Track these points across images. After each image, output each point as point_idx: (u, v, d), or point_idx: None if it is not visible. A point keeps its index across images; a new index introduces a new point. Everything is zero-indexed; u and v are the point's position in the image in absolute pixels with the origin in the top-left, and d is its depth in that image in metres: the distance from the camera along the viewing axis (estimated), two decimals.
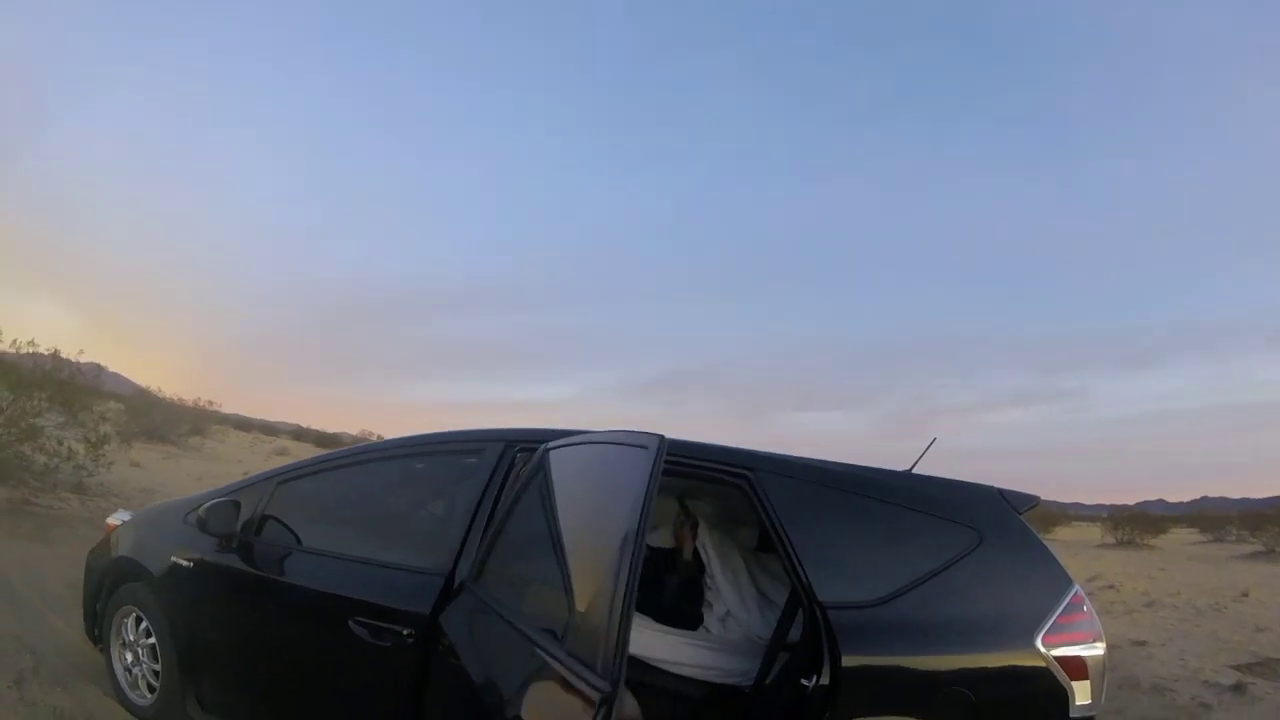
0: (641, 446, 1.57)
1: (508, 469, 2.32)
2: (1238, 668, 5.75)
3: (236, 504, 2.80)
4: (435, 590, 2.18)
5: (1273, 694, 5.05)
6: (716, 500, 3.07)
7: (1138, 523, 24.95)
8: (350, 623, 2.22)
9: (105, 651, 3.26)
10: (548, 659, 1.48)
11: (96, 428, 7.63)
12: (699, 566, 2.73)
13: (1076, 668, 1.93)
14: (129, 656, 3.13)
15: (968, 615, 1.99)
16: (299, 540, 2.70)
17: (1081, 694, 1.92)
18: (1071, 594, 2.02)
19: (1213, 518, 26.91)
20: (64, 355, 7.55)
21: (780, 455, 2.20)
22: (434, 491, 2.64)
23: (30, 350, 7.20)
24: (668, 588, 2.65)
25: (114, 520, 3.53)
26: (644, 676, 2.41)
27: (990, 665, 1.95)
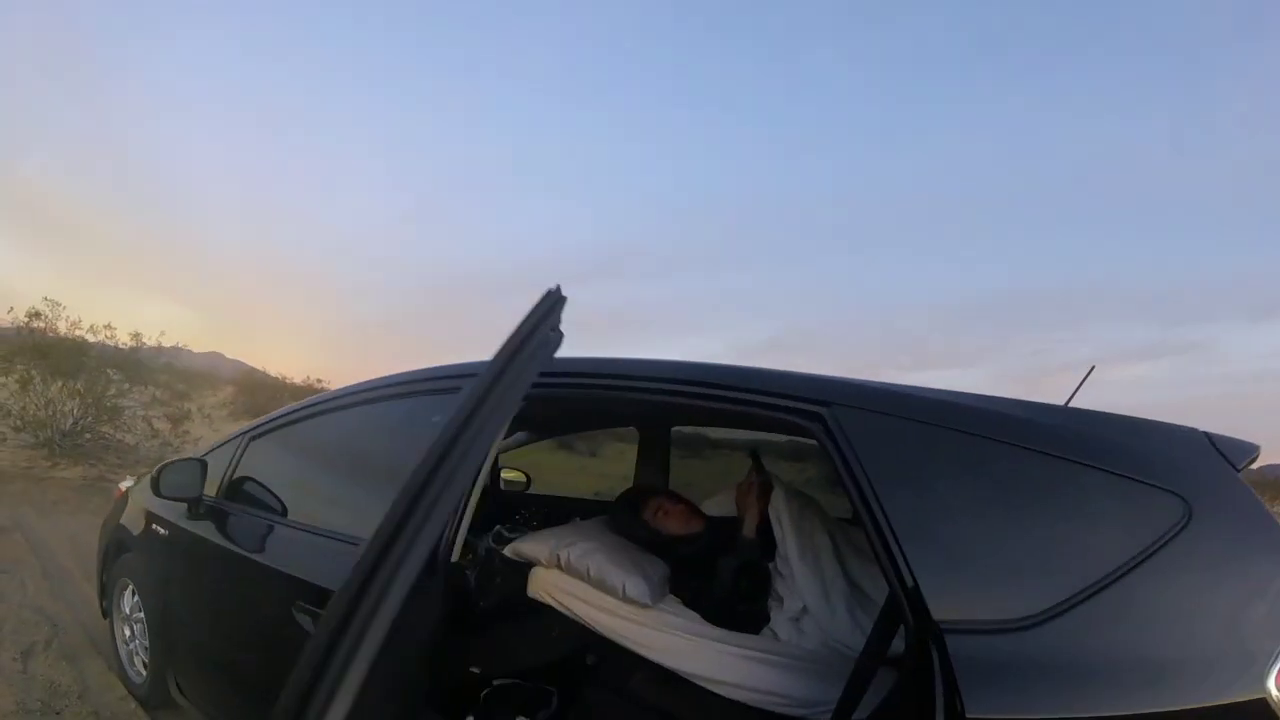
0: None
1: None
2: None
3: (201, 463, 2.38)
4: None
5: None
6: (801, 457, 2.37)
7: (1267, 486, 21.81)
8: (293, 610, 1.70)
9: (110, 625, 3.05)
10: None
11: (180, 404, 7.87)
12: (766, 546, 2.00)
13: None
14: (126, 631, 2.90)
15: (1168, 640, 1.18)
16: (262, 505, 2.22)
17: None
18: None
19: None
20: (143, 338, 7.89)
21: (872, 384, 1.43)
22: (406, 440, 2.07)
23: (108, 338, 7.55)
24: (720, 573, 1.94)
25: (124, 485, 3.25)
26: (678, 700, 1.74)
27: None
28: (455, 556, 1.61)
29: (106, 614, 3.07)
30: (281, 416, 2.39)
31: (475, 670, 1.89)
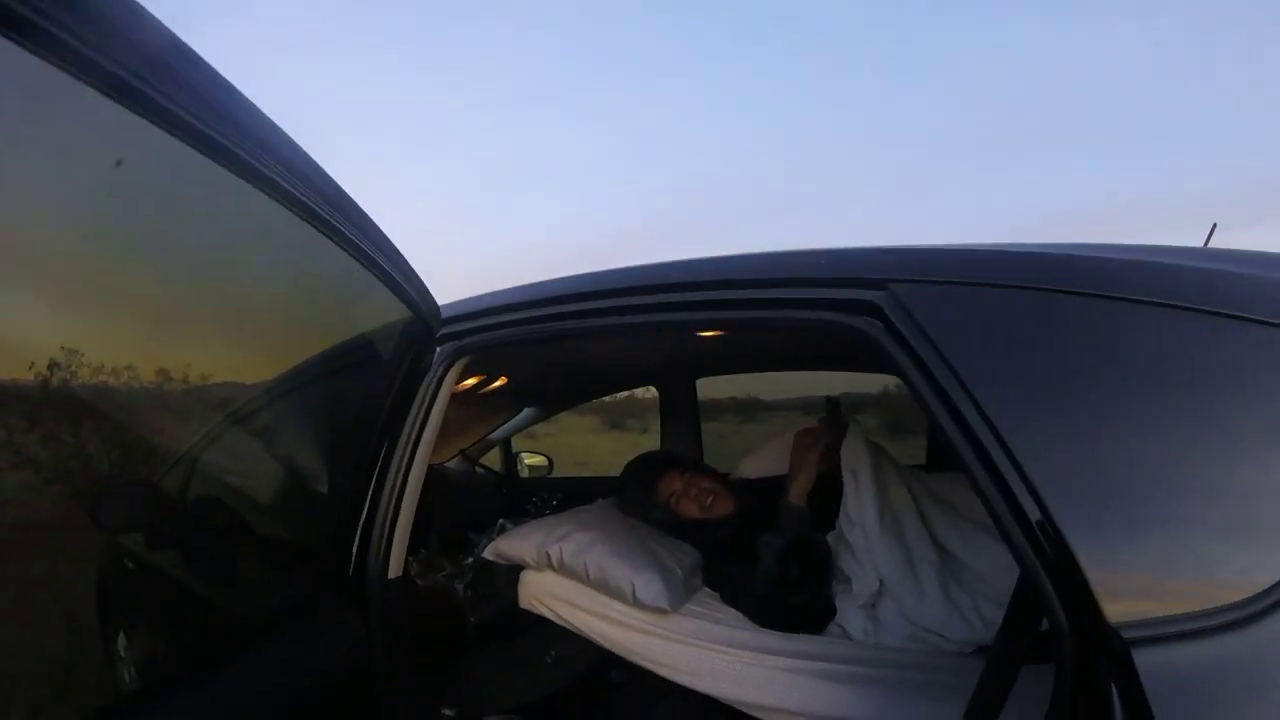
0: None
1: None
2: None
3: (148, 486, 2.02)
4: None
5: None
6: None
7: None
8: None
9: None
10: None
11: None
12: (828, 515, 1.50)
13: None
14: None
15: None
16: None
17: None
18: None
19: None
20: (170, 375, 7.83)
21: (945, 248, 0.92)
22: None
23: None
24: (762, 558, 1.45)
25: None
26: None
27: None
28: (396, 572, 1.19)
29: None
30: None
31: (448, 714, 1.45)
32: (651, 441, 2.71)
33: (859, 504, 1.41)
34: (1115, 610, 0.66)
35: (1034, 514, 0.70)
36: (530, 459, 3.15)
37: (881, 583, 1.39)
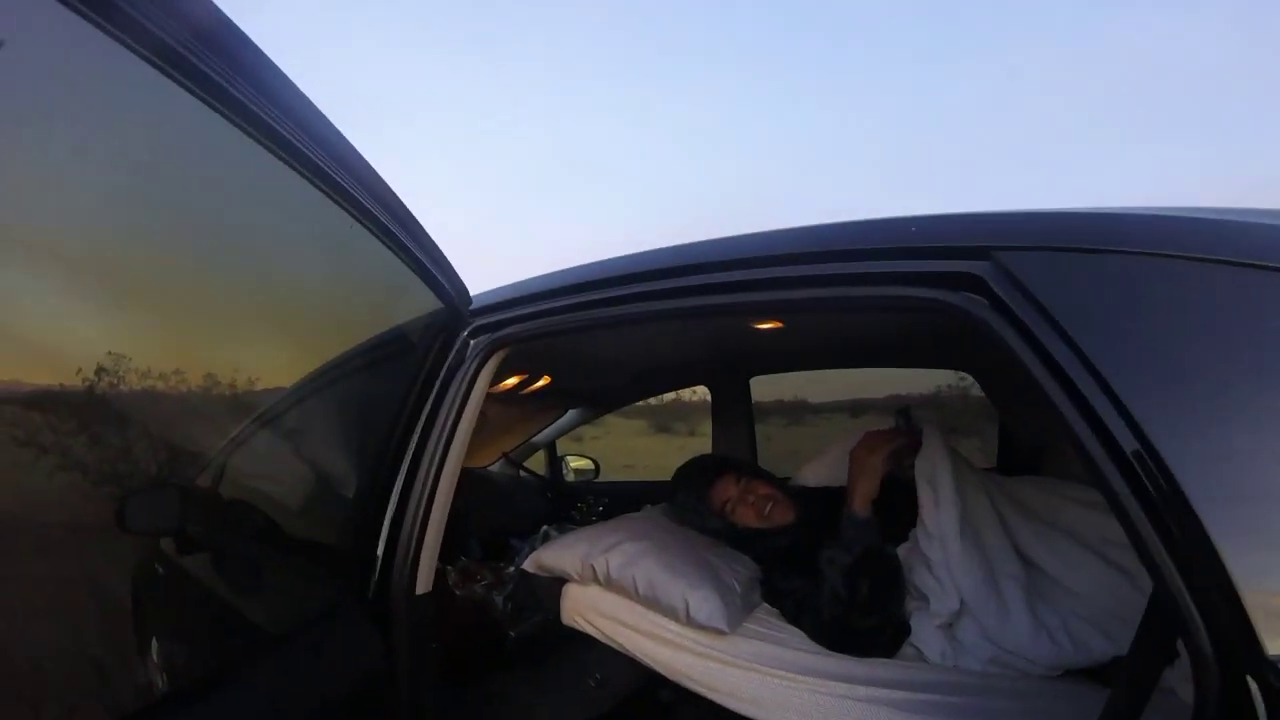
0: None
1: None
2: None
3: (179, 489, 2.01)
4: None
5: None
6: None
7: None
8: None
9: None
10: None
11: None
12: (903, 526, 1.39)
13: None
14: None
15: None
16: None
17: None
18: None
19: None
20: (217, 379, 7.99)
21: (1066, 211, 0.78)
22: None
23: None
24: (826, 574, 1.32)
25: None
26: None
27: None
28: (425, 586, 1.10)
29: None
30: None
31: None
32: (701, 445, 2.59)
33: (938, 515, 1.27)
34: (1276, 640, 0.54)
35: (1184, 527, 0.58)
36: (575, 462, 3.06)
37: (962, 601, 1.25)
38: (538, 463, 2.87)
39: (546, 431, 2.75)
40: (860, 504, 1.34)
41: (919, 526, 1.28)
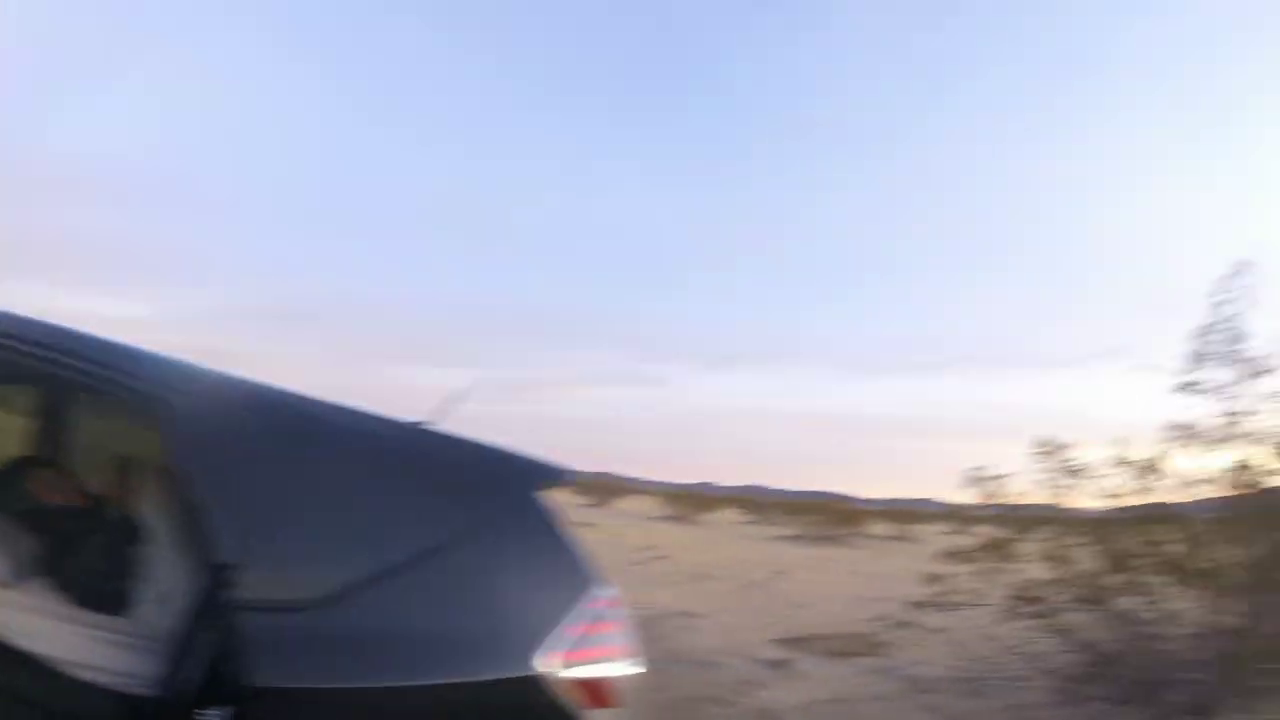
0: None
1: None
2: (780, 642, 6.06)
3: None
4: None
5: (813, 670, 5.29)
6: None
7: (692, 499, 27.57)
8: None
9: None
10: None
11: None
12: (131, 526, 1.92)
13: (596, 694, 1.50)
14: None
15: (447, 624, 1.49)
16: None
17: None
18: (596, 598, 1.57)
19: (758, 502, 30.99)
20: None
21: (213, 371, 1.48)
22: None
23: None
24: (88, 553, 1.82)
25: None
26: (28, 681, 1.56)
27: (466, 696, 1.45)
28: None
29: None
30: None
31: None
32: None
33: (149, 523, 1.84)
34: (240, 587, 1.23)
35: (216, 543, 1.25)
36: None
37: (172, 583, 1.85)
38: None
39: None
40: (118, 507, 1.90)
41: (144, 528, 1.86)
